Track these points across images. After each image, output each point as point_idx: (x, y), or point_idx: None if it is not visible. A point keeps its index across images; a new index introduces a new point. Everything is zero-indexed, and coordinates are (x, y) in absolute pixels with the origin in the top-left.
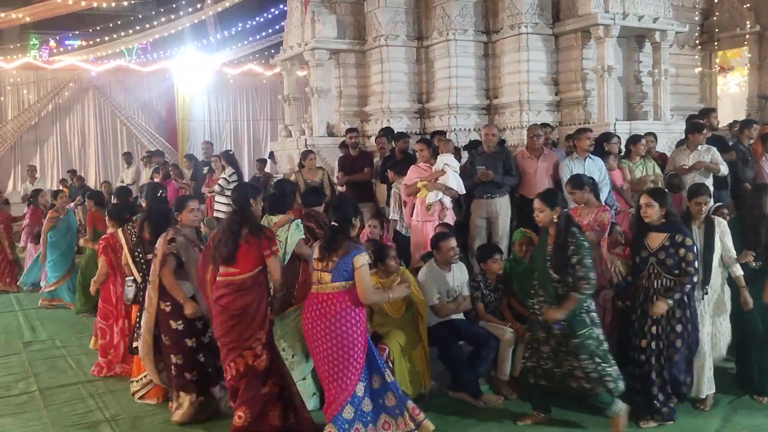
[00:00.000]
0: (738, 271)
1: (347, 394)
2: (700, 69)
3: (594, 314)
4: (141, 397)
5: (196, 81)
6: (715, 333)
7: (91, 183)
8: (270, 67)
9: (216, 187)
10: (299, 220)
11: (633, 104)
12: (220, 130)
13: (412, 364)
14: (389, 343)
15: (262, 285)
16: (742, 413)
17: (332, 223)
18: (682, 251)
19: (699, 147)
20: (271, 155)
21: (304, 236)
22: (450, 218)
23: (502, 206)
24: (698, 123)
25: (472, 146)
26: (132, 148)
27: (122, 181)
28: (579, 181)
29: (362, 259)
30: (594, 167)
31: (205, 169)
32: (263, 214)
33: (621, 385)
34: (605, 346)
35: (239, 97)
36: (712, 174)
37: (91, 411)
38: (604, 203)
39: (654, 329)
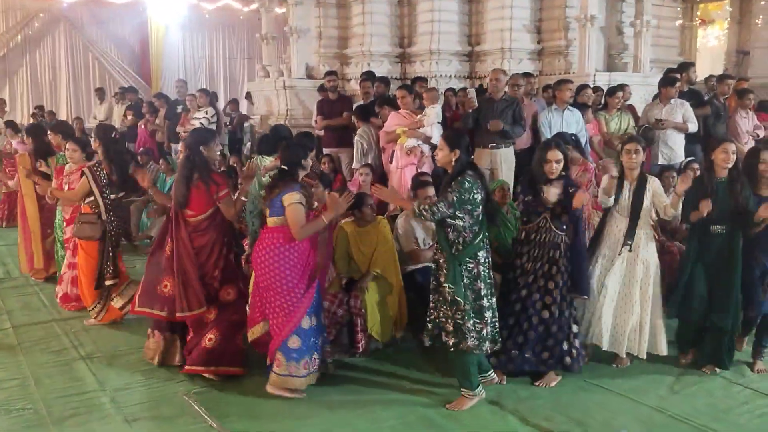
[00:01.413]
0: (672, 213)
1: (292, 326)
2: (681, 21)
3: (481, 268)
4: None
5: (171, 15)
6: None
7: (63, 119)
8: (248, 3)
9: (196, 125)
10: None
11: (613, 55)
12: (196, 68)
13: (385, 312)
14: (360, 291)
15: (218, 227)
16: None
17: (282, 165)
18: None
19: (672, 101)
20: (248, 96)
21: None
22: (428, 167)
23: (507, 158)
24: (670, 77)
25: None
26: (105, 83)
27: (95, 118)
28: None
29: (291, 198)
30: (572, 119)
31: (179, 108)
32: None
33: (484, 346)
34: (485, 302)
35: (215, 34)
36: None
37: (66, 349)
38: None
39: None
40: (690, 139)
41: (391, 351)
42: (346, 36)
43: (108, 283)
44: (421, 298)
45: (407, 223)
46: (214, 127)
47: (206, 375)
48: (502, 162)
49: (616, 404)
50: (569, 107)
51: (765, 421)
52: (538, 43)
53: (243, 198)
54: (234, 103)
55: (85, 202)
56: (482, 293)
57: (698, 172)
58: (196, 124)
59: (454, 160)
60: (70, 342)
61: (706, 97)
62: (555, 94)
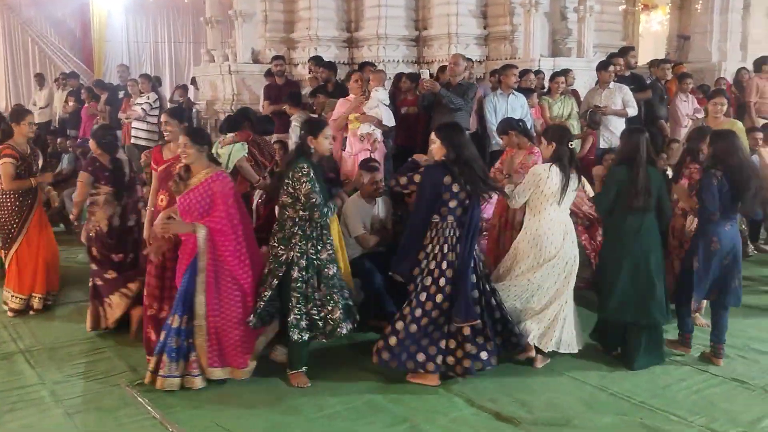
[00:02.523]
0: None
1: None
2: (624, 6)
3: (310, 253)
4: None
5: None
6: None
7: (1, 105)
8: None
9: (138, 111)
10: (245, 142)
11: (558, 40)
12: (139, 53)
13: None
14: None
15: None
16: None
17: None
18: None
19: (611, 85)
20: (193, 81)
21: (246, 155)
22: (380, 152)
23: None
24: (604, 61)
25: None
26: (45, 68)
27: (34, 104)
28: (503, 127)
29: None
30: (517, 103)
31: (121, 94)
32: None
33: (300, 335)
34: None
35: (160, 18)
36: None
37: (5, 342)
38: None
39: None
40: (633, 122)
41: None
42: (292, 20)
43: None
44: (368, 284)
45: (355, 207)
46: (156, 113)
47: None
48: None
49: (559, 384)
50: (514, 92)
51: (702, 397)
52: (485, 28)
53: None
54: (182, 88)
55: None
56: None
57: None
58: (138, 110)
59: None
60: (9, 335)
61: (648, 81)
62: (500, 79)
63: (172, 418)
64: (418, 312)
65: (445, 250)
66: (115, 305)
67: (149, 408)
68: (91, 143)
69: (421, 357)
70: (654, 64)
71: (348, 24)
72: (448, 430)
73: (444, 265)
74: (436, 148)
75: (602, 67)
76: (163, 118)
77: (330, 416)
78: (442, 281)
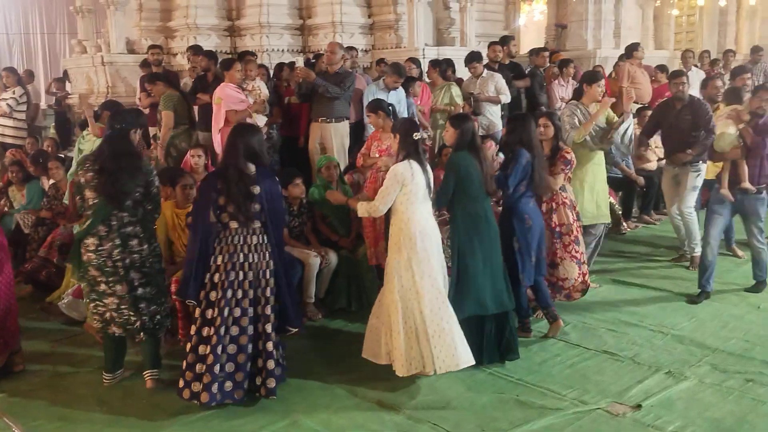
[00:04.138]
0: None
1: None
2: None
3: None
4: None
5: None
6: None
7: None
8: None
9: (3, 107)
10: None
11: (442, 30)
12: (10, 45)
13: None
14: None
15: None
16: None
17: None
18: None
19: (484, 74)
20: (65, 73)
21: None
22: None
23: (338, 132)
24: (472, 53)
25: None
26: None
27: None
28: (373, 106)
29: None
30: (395, 98)
31: None
32: None
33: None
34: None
35: (31, 8)
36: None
37: None
38: None
39: None
40: (513, 108)
41: None
42: (169, 8)
43: None
44: None
45: None
46: (23, 108)
47: None
48: (333, 137)
49: None
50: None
51: (575, 370)
52: (369, 17)
53: None
54: (59, 81)
55: None
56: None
57: None
58: (3, 105)
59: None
60: None
61: (528, 70)
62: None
63: None
64: None
65: None
66: None
67: (10, 423)
68: None
69: None
70: (533, 52)
71: (229, 12)
72: (329, 422)
73: None
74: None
75: (469, 60)
76: None
77: (207, 417)
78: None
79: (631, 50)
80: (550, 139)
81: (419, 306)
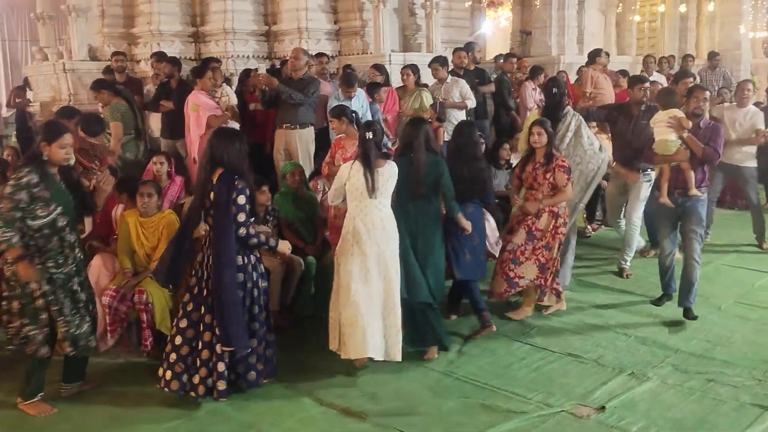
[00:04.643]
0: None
1: None
2: (470, 3)
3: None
4: None
5: None
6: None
7: None
8: None
9: None
10: None
11: (408, 36)
12: None
13: (174, 303)
14: (146, 285)
15: None
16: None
17: None
18: None
19: (449, 80)
20: (26, 81)
21: None
22: None
23: (303, 138)
24: (436, 57)
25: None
26: None
27: None
28: (337, 112)
29: None
30: (357, 103)
31: None
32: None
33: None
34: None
35: None
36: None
37: None
38: None
39: None
40: (480, 114)
41: None
42: (132, 15)
43: None
44: None
45: None
46: None
47: None
48: (297, 143)
49: (406, 373)
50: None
51: (540, 373)
52: (335, 23)
53: None
54: (20, 89)
55: None
56: None
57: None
58: None
59: None
60: None
61: (494, 76)
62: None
63: None
64: None
65: None
66: None
67: None
68: None
69: None
70: (502, 58)
71: (193, 18)
72: (294, 431)
73: None
74: None
75: (432, 63)
76: None
77: (170, 429)
78: None
79: (595, 56)
80: (544, 146)
81: (337, 295)
